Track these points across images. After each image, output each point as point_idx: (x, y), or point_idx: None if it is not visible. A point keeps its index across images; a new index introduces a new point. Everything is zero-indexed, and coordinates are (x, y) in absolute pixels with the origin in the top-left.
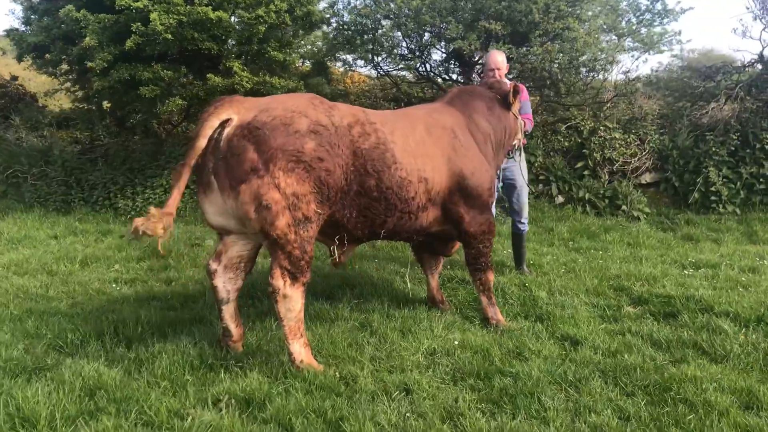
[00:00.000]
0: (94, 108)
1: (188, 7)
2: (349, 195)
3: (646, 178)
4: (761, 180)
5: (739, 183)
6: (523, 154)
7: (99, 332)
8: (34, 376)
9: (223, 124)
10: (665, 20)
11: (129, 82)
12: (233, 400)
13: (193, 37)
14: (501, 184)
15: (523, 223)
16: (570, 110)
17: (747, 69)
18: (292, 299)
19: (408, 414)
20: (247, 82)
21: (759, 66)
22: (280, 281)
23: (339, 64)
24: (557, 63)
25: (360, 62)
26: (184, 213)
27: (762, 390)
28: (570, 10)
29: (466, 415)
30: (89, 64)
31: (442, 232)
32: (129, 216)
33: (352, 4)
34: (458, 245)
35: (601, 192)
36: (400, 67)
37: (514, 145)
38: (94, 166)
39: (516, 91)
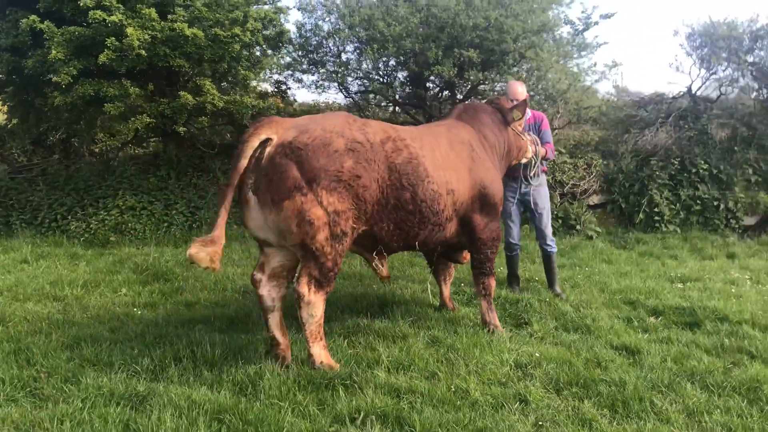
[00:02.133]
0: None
1: (163, 23)
2: (387, 209)
3: (594, 199)
4: (697, 201)
5: (678, 204)
6: (543, 177)
7: (176, 356)
8: (137, 404)
9: (263, 144)
10: (584, 53)
11: (92, 99)
12: (372, 417)
13: (165, 53)
14: (532, 209)
15: (550, 245)
16: None
17: (677, 100)
18: (314, 306)
19: (541, 422)
20: (218, 100)
21: (687, 98)
22: (305, 288)
23: (297, 85)
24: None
25: (326, 83)
26: (149, 238)
27: None
28: (535, 39)
29: (597, 421)
30: (54, 78)
31: (459, 243)
32: (83, 238)
33: (320, 26)
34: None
35: (554, 213)
36: (369, 90)
37: (527, 166)
38: (32, 186)
39: (516, 109)
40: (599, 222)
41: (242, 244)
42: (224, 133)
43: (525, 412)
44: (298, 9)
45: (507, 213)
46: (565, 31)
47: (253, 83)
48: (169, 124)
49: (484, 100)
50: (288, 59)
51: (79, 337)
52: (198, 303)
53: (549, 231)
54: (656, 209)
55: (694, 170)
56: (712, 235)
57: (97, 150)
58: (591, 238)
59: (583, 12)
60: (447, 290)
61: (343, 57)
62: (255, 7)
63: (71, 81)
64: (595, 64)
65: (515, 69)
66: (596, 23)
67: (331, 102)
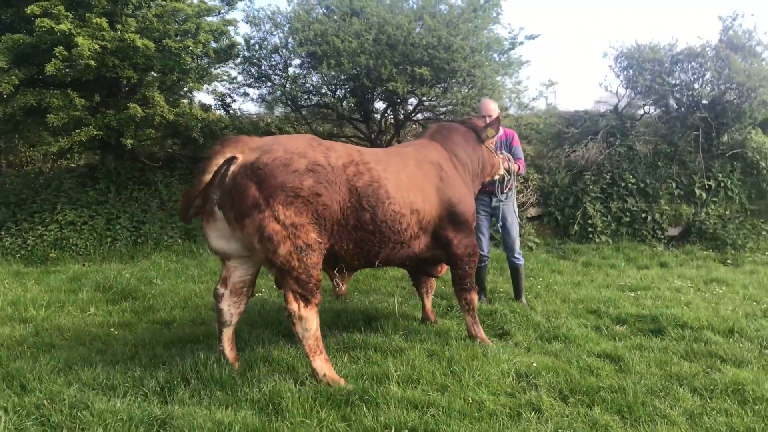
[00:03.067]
0: None
1: (113, 33)
2: (347, 228)
3: (532, 212)
4: (627, 213)
5: (609, 216)
6: (513, 193)
7: (183, 377)
8: (159, 428)
9: (228, 162)
10: (511, 71)
11: (33, 109)
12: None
13: (114, 64)
14: (501, 223)
15: (518, 257)
16: None
17: (604, 117)
18: (307, 320)
19: (560, 429)
20: (168, 113)
21: (614, 115)
22: (294, 305)
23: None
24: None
25: (272, 97)
26: (93, 254)
27: None
28: (480, 58)
29: (612, 426)
30: None
31: (433, 257)
32: (18, 255)
33: (268, 40)
34: (446, 267)
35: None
36: (317, 104)
37: (501, 182)
38: None
39: (489, 127)
40: (537, 233)
41: (195, 260)
42: (167, 146)
43: (541, 421)
44: (246, 22)
45: (477, 226)
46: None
47: (197, 96)
48: (114, 137)
49: (458, 120)
50: (235, 72)
51: (69, 361)
52: (175, 321)
53: (517, 244)
54: (590, 221)
55: (623, 184)
56: (641, 245)
57: (17, 162)
58: (531, 249)
59: (510, 32)
60: (429, 303)
61: (291, 71)
62: (205, 18)
63: (12, 90)
64: (523, 80)
65: (463, 87)
66: (521, 43)
67: (278, 115)
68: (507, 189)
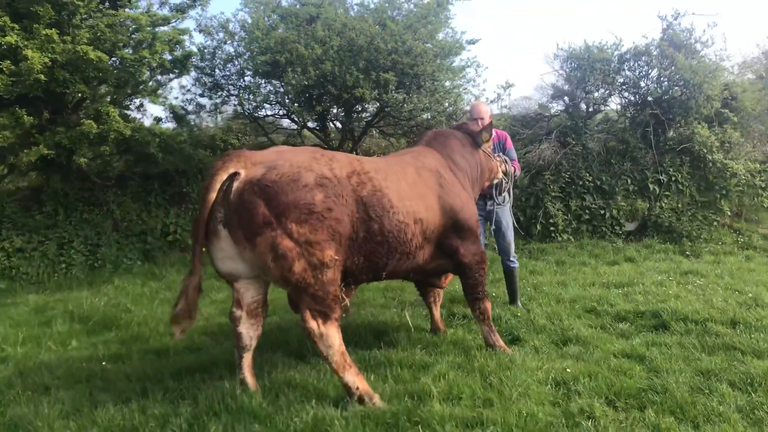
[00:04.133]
0: None
1: (63, 45)
2: (357, 241)
3: None
4: (586, 211)
5: (569, 214)
6: (511, 196)
7: (211, 411)
8: None
9: (231, 177)
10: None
11: None
12: None
13: (65, 78)
14: (494, 227)
15: (513, 261)
16: None
17: (557, 117)
18: (328, 336)
19: None
20: (125, 128)
21: (566, 115)
22: (312, 323)
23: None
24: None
25: (227, 108)
26: (46, 282)
27: None
28: (441, 62)
29: (675, 428)
30: None
31: (438, 267)
32: None
33: (224, 49)
34: (451, 277)
35: None
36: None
37: (498, 186)
38: None
39: (484, 131)
40: None
41: (160, 282)
42: (118, 163)
43: (600, 428)
44: (199, 31)
45: None
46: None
47: (150, 109)
48: (65, 155)
49: (453, 125)
50: (188, 83)
51: (75, 402)
52: (168, 350)
53: (512, 248)
54: (551, 220)
55: (580, 182)
56: (601, 242)
57: None
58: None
59: (452, 37)
60: (437, 312)
61: (248, 80)
62: (159, 28)
63: None
64: (480, 83)
65: (424, 91)
66: (464, 48)
67: (235, 126)
68: (504, 193)
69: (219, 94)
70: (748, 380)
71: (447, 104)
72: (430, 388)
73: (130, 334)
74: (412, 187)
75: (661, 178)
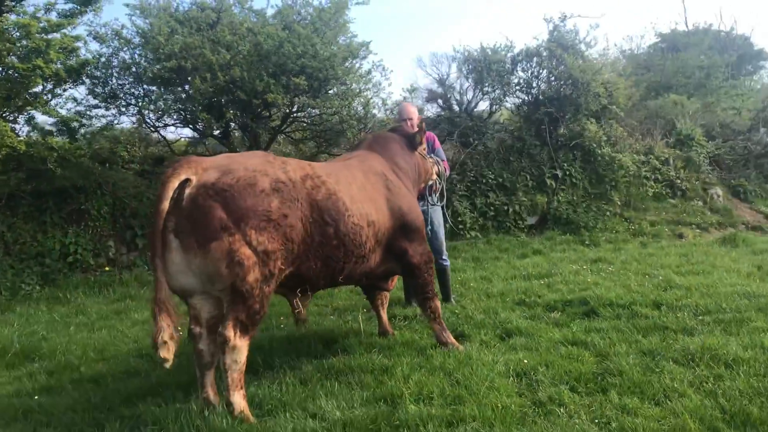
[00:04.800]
0: None
1: None
2: (313, 247)
3: None
4: (491, 208)
5: (476, 212)
6: (444, 196)
7: None
8: None
9: (182, 185)
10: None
11: None
12: None
13: None
14: (429, 227)
15: (445, 260)
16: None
17: (457, 120)
18: (240, 351)
19: (600, 419)
20: (19, 143)
21: (465, 116)
22: (231, 332)
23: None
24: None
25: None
26: None
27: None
28: (349, 66)
29: (642, 408)
30: None
31: (387, 270)
32: None
33: (121, 57)
34: (397, 279)
35: None
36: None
37: (431, 187)
38: None
39: (421, 133)
40: None
41: (67, 306)
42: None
43: (575, 414)
44: (93, 38)
45: None
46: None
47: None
48: None
49: (389, 128)
50: (81, 94)
51: None
52: (104, 377)
53: (444, 247)
54: (459, 218)
55: (484, 180)
56: (507, 236)
57: None
58: None
59: (351, 40)
60: (385, 315)
61: (147, 88)
62: (51, 35)
63: None
64: (386, 86)
65: (333, 95)
66: (371, 52)
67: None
68: (438, 194)
69: (116, 104)
70: (689, 356)
71: (357, 108)
72: (400, 390)
73: (56, 364)
74: (361, 191)
75: (557, 173)
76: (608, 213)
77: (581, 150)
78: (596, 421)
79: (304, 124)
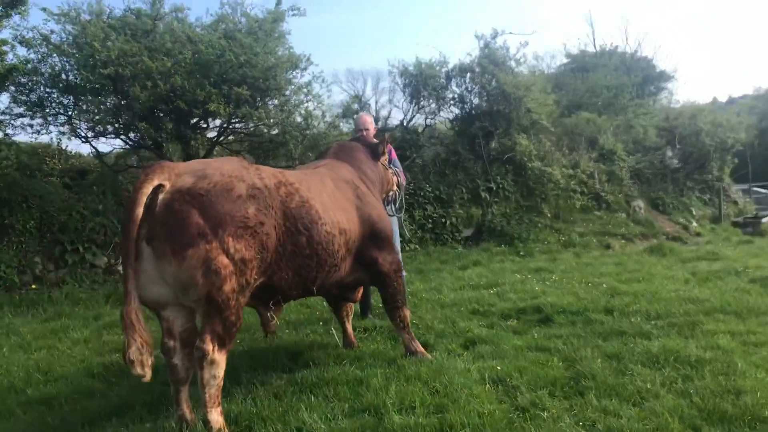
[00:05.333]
0: None
1: None
2: (285, 256)
3: None
4: (429, 220)
5: (414, 224)
6: (403, 207)
7: None
8: None
9: (155, 191)
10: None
11: None
12: None
13: None
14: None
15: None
16: None
17: (391, 133)
18: (218, 365)
19: (584, 421)
20: None
21: (401, 129)
22: (209, 346)
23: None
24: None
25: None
26: None
27: (693, 344)
28: (289, 77)
29: (623, 410)
30: None
31: (356, 280)
32: None
33: (51, 63)
34: (362, 290)
35: None
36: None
37: (391, 197)
38: None
39: (384, 143)
40: None
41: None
42: None
43: (558, 419)
44: (20, 43)
45: None
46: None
47: None
48: None
49: (352, 138)
50: (4, 102)
51: None
52: (54, 399)
53: (400, 257)
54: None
55: (422, 193)
56: (444, 248)
57: None
58: None
59: (289, 51)
60: (350, 327)
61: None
62: None
63: None
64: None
65: (273, 105)
66: (312, 63)
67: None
68: (398, 204)
69: (43, 113)
70: (653, 359)
71: (297, 119)
72: (382, 400)
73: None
74: (332, 199)
75: (491, 186)
76: (539, 225)
77: (513, 164)
78: (581, 423)
79: (242, 135)
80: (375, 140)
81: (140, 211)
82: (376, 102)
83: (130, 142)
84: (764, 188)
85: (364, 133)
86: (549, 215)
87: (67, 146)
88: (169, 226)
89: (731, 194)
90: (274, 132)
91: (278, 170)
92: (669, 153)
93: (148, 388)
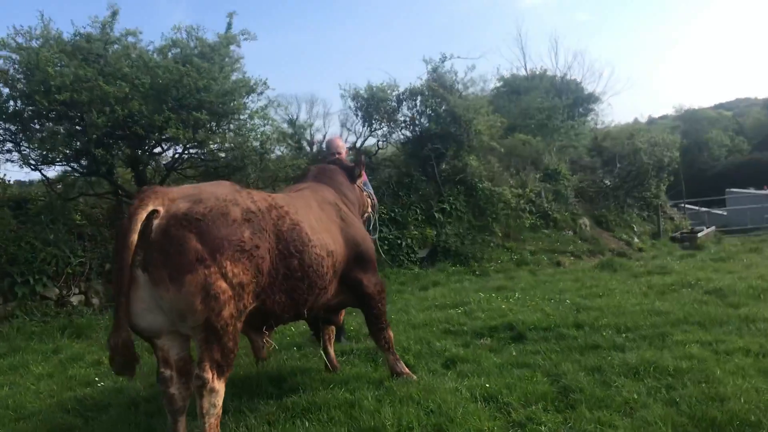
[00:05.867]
0: None
1: None
2: (278, 279)
3: None
4: (385, 242)
5: None
6: (377, 229)
7: None
8: None
9: (149, 216)
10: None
11: None
12: None
13: None
14: None
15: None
16: None
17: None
18: (218, 394)
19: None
20: None
21: (354, 151)
22: (209, 374)
23: None
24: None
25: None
26: None
27: (668, 354)
28: (246, 101)
29: (617, 421)
30: None
31: (340, 302)
32: None
33: None
34: (344, 313)
35: None
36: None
37: (365, 219)
38: None
39: (361, 166)
40: None
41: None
42: None
43: (556, 431)
44: None
45: None
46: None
47: None
48: None
49: (329, 161)
50: None
51: None
52: None
53: None
54: None
55: (377, 215)
56: (401, 269)
57: None
58: None
59: (242, 75)
60: (332, 350)
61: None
62: None
63: None
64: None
65: (229, 131)
66: (268, 87)
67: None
68: (372, 226)
69: None
70: (633, 370)
71: (253, 143)
72: (381, 422)
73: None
74: (319, 221)
75: (444, 206)
76: (492, 244)
77: (465, 184)
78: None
79: (199, 161)
80: (348, 163)
81: (135, 237)
82: (311, 126)
83: (81, 169)
84: (695, 205)
85: (337, 157)
86: (500, 234)
87: (5, 175)
88: (166, 252)
89: (667, 211)
90: (230, 157)
91: (267, 193)
92: (600, 172)
93: (132, 420)
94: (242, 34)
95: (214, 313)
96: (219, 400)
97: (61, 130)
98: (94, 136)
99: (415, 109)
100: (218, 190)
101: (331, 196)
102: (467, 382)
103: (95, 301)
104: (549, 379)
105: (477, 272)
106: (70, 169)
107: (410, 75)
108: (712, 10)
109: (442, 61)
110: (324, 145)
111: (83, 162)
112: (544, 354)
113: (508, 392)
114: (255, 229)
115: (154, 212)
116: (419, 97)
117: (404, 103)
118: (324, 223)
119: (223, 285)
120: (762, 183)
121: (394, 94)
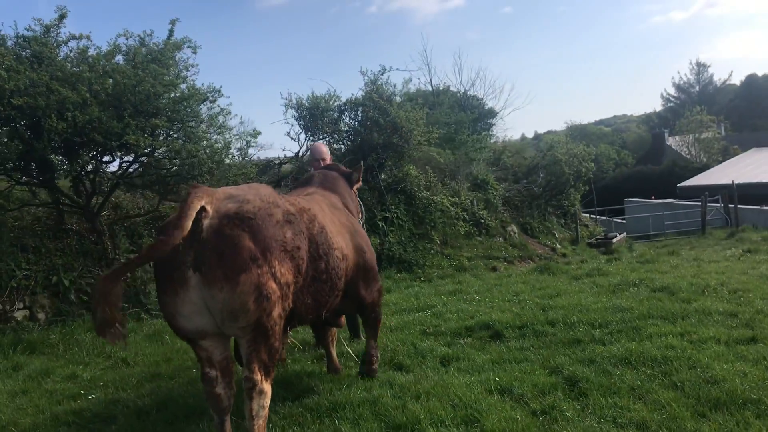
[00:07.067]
0: None
1: None
2: (307, 281)
3: None
4: None
5: None
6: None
7: None
8: None
9: (198, 214)
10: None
11: None
12: None
13: None
14: None
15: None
16: None
17: (285, 164)
18: (266, 395)
19: (602, 418)
20: None
21: (295, 162)
22: (258, 375)
23: None
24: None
25: None
26: None
27: (649, 345)
28: (197, 108)
29: (630, 406)
30: None
31: (345, 306)
32: None
33: None
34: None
35: None
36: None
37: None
38: None
39: (358, 172)
40: None
41: None
42: None
43: (580, 416)
44: None
45: None
46: None
47: None
48: None
49: (325, 167)
50: None
51: None
52: None
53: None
54: None
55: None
56: None
57: None
58: None
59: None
60: (334, 352)
61: None
62: None
63: None
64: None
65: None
66: (222, 95)
67: None
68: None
69: None
70: (624, 360)
71: (207, 152)
72: (416, 417)
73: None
74: (332, 224)
75: (387, 215)
76: (432, 251)
77: (405, 194)
78: (604, 418)
79: (152, 168)
80: (346, 169)
81: (189, 223)
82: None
83: (22, 179)
84: (601, 214)
85: (321, 162)
86: (438, 242)
87: None
88: (220, 251)
89: (581, 218)
90: (187, 165)
91: (292, 197)
92: (524, 182)
93: (142, 428)
94: (184, 42)
95: (266, 313)
96: (267, 401)
97: (14, 137)
98: (53, 142)
99: (356, 119)
100: (260, 191)
101: (339, 203)
102: (476, 377)
103: (41, 315)
104: (550, 371)
105: (422, 278)
106: (6, 178)
107: (353, 87)
108: (590, 32)
109: (382, 73)
110: (308, 151)
111: (34, 171)
112: (532, 349)
113: (519, 385)
114: (295, 230)
115: (203, 210)
116: (360, 108)
117: (346, 113)
118: (337, 227)
119: (273, 285)
120: (647, 194)
121: (335, 104)
